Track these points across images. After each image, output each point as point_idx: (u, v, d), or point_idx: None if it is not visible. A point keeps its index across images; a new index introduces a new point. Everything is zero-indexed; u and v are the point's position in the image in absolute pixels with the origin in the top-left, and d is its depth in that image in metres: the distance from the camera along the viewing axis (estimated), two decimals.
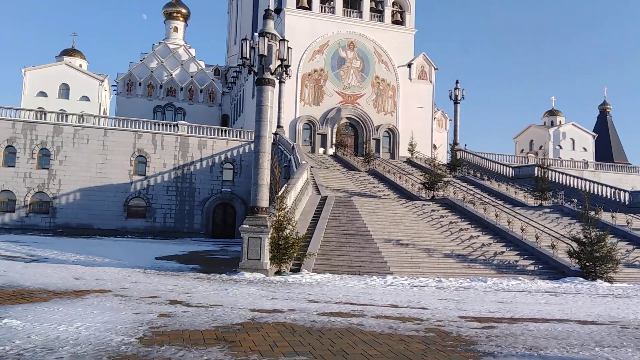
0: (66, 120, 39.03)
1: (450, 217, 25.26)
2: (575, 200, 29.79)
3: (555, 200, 31.64)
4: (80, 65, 62.06)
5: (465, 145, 50.55)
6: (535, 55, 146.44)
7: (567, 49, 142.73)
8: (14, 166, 37.12)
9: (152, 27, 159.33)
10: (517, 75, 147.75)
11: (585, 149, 69.95)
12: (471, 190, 33.56)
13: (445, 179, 32.49)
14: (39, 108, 46.50)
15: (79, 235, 35.10)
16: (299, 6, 48.04)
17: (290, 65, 20.85)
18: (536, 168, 37.22)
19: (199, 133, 41.27)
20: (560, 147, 69.20)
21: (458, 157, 44.37)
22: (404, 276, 17.96)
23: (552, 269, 20.21)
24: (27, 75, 56.68)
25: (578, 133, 71.00)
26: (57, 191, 37.50)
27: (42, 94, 56.69)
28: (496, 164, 43.14)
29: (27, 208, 37.02)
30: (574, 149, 69.64)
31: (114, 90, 62.92)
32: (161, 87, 62.64)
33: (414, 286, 16.11)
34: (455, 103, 47.83)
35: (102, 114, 56.78)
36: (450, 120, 60.33)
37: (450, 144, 49.20)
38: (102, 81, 59.99)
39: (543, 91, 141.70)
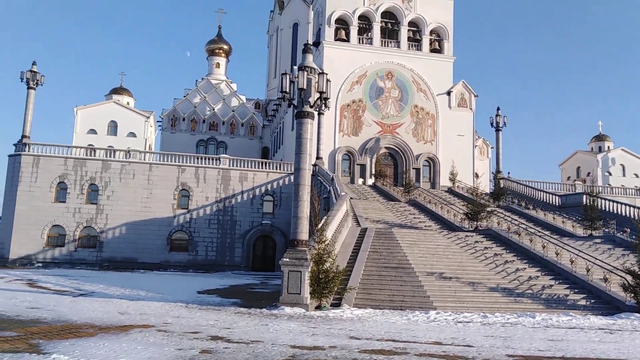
0: (114, 157, 40.51)
1: (495, 249, 24.54)
2: (628, 229, 28.42)
3: (607, 230, 30.29)
4: (128, 103, 64.73)
5: (509, 173, 49.39)
6: (580, 79, 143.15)
7: (613, 71, 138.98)
8: (64, 202, 38.61)
9: (196, 63, 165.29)
10: (561, 100, 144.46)
11: (637, 175, 67.13)
12: (516, 220, 32.60)
13: (489, 209, 31.72)
14: (89, 145, 48.58)
15: (124, 269, 35.93)
16: (337, 39, 48.82)
17: (329, 98, 21.05)
18: (584, 196, 35.89)
19: (240, 166, 41.98)
20: (610, 174, 66.65)
21: (501, 185, 43.38)
22: (447, 311, 17.45)
23: (605, 304, 19.21)
24: (79, 114, 59.52)
25: (628, 159, 68.30)
26: (104, 225, 38.70)
27: (92, 131, 59.28)
28: (542, 193, 41.87)
29: (76, 242, 38.28)
30: (624, 175, 66.92)
31: (159, 125, 65.14)
32: (204, 121, 64.44)
33: (458, 322, 15.61)
34: (497, 130, 47.06)
35: (147, 149, 58.75)
36: (492, 147, 59.27)
37: (492, 173, 48.23)
38: (148, 117, 62.27)
39: (589, 116, 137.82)
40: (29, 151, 39.07)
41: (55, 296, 19.11)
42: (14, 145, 39.80)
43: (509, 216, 33.69)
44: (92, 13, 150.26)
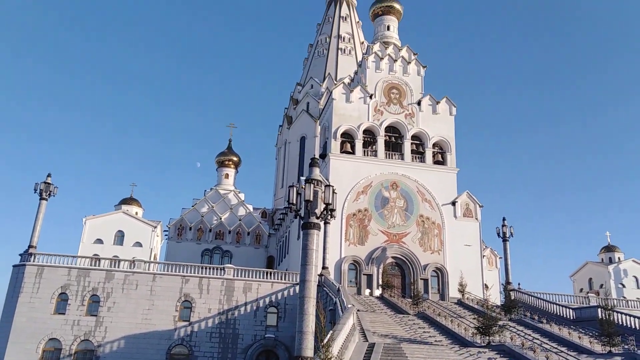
0: (118, 267, 40.23)
1: None
2: None
3: (626, 347, 28.80)
4: (136, 213, 65.60)
5: (519, 284, 48.25)
6: (586, 188, 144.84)
7: (620, 183, 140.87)
8: (64, 313, 37.66)
9: (205, 173, 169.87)
10: (567, 209, 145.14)
11: None
12: (530, 335, 31.23)
13: (501, 323, 30.55)
14: (95, 255, 48.49)
15: None
16: (343, 151, 50.43)
17: (335, 209, 21.25)
18: (599, 309, 34.62)
19: (245, 276, 41.40)
20: (623, 286, 64.99)
21: (512, 297, 42.17)
22: None
23: None
24: (87, 224, 60.16)
25: None
26: (102, 339, 37.34)
27: (99, 240, 59.50)
28: (555, 305, 40.51)
29: (71, 358, 36.71)
30: (638, 287, 65.20)
31: (165, 235, 65.37)
32: (210, 230, 64.72)
33: None
34: (504, 241, 46.78)
35: (152, 259, 58.48)
36: (500, 258, 58.51)
37: (502, 284, 47.21)
38: (155, 227, 62.73)
39: (597, 225, 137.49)
40: (34, 261, 38.95)
41: None
42: (20, 255, 39.79)
43: (522, 330, 32.33)
44: (106, 127, 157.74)
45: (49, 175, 42.40)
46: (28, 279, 38.07)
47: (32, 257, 39.22)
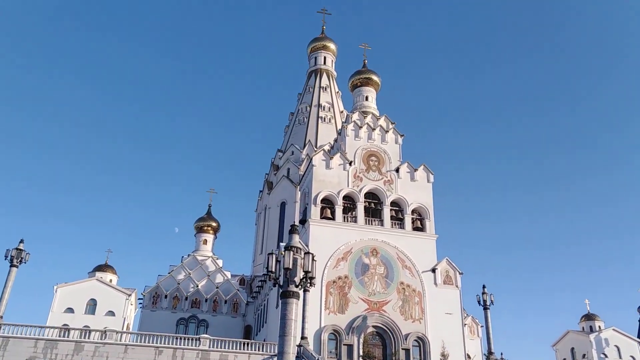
0: (88, 337, 38.48)
1: None
2: None
3: None
4: (111, 280, 63.78)
5: (502, 354, 47.37)
6: (565, 256, 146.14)
7: (598, 246, 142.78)
8: None
9: (183, 239, 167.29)
10: (546, 277, 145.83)
11: (633, 358, 64.79)
12: None
13: None
14: (64, 325, 46.46)
15: None
16: (323, 217, 50.50)
17: (314, 277, 21.05)
18: None
19: (221, 347, 39.87)
20: (606, 356, 64.34)
21: None
22: None
23: None
24: (58, 292, 58.08)
25: (622, 339, 66.69)
26: None
27: (70, 310, 57.26)
28: None
29: None
30: (620, 357, 64.66)
31: (140, 303, 63.21)
32: (186, 298, 62.79)
33: None
34: (485, 309, 46.29)
35: (125, 328, 56.33)
36: (482, 326, 57.68)
37: (484, 354, 46.24)
38: (129, 295, 60.84)
39: (576, 291, 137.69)
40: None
41: None
42: None
43: None
44: (83, 192, 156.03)
45: (21, 242, 41.22)
46: None
47: None
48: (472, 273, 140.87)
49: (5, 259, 40.43)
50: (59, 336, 38.23)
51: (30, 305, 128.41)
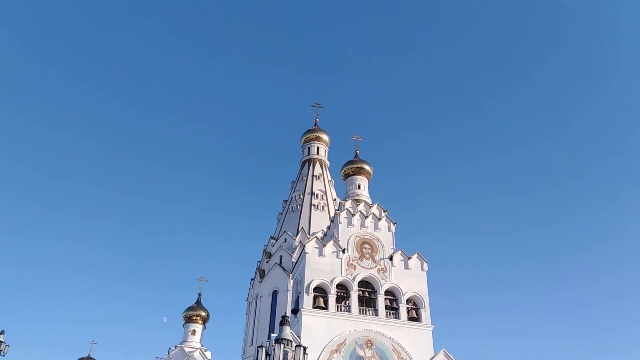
0: None
1: None
2: None
3: None
4: None
5: None
6: (571, 350, 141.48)
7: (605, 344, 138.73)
8: None
9: (171, 328, 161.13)
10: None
11: None
12: None
13: None
14: None
15: None
16: (316, 306, 49.25)
17: None
18: None
19: None
20: None
21: None
22: None
23: None
24: None
25: None
26: None
27: None
28: None
29: None
30: None
31: None
32: None
33: None
34: None
35: None
36: None
37: None
38: None
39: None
40: None
41: None
42: None
43: None
44: (70, 278, 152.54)
45: (1, 333, 39.77)
46: None
47: None
48: None
49: None
50: None
51: None
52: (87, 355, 64.09)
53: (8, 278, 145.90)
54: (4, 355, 39.15)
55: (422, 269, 54.59)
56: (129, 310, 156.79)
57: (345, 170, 65.06)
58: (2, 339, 39.23)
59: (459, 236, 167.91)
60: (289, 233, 75.18)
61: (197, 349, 66.16)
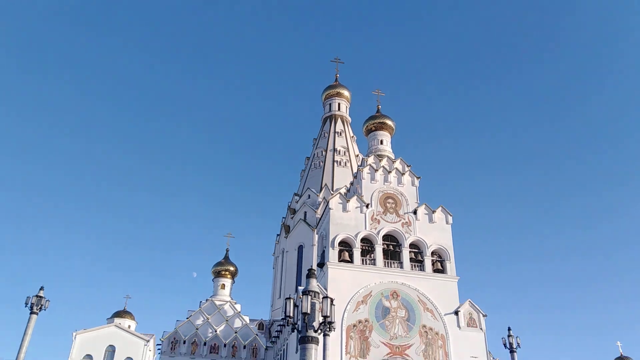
0: None
1: None
2: None
3: None
4: (129, 326, 63.50)
5: None
6: (596, 295, 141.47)
7: (630, 286, 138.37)
8: None
9: (201, 283, 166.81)
10: (576, 316, 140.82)
11: None
12: None
13: None
14: None
15: None
16: (341, 260, 50.09)
17: (333, 322, 20.82)
18: None
19: None
20: None
21: None
22: None
23: None
24: (77, 339, 57.90)
25: None
26: None
27: (88, 356, 56.91)
28: None
29: None
30: None
31: (158, 349, 62.69)
32: (205, 344, 62.19)
33: None
34: (512, 352, 44.78)
35: None
36: None
37: None
38: (148, 341, 60.40)
39: (607, 332, 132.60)
40: None
41: None
42: None
43: None
44: (102, 237, 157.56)
45: (41, 289, 41.39)
46: None
47: None
48: (496, 314, 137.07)
49: (26, 306, 40.63)
50: None
51: (49, 352, 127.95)
52: (122, 308, 66.87)
53: (53, 239, 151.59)
54: (45, 310, 40.94)
55: (447, 222, 54.71)
56: (160, 267, 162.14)
57: (367, 126, 64.55)
58: (42, 294, 40.97)
59: (484, 188, 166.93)
60: (312, 190, 75.70)
61: (227, 301, 68.26)
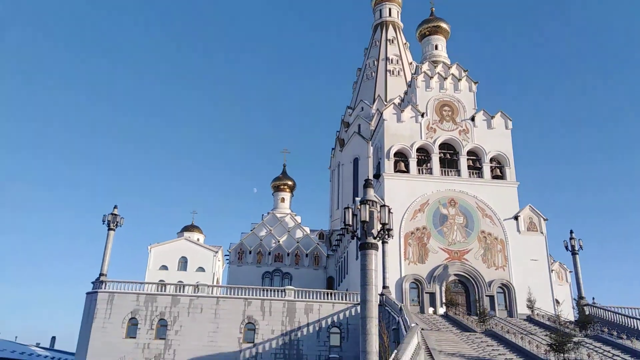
0: (183, 291, 41.44)
1: None
2: None
3: None
4: (198, 239, 67.63)
5: (594, 299, 45.79)
6: None
7: None
8: (134, 337, 39.04)
9: (262, 199, 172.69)
10: (637, 218, 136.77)
11: None
12: (609, 352, 29.50)
13: (576, 339, 29.05)
14: (160, 281, 50.18)
15: None
16: (397, 170, 50.17)
17: (392, 229, 21.16)
18: None
19: (305, 297, 41.58)
20: None
21: (586, 313, 40.06)
22: None
23: None
24: (152, 252, 62.49)
25: None
26: None
27: (164, 267, 61.65)
28: (636, 320, 38.07)
29: None
30: None
31: (227, 259, 66.86)
32: (269, 253, 65.63)
33: None
34: (574, 254, 44.81)
35: (215, 283, 59.83)
36: (570, 272, 55.92)
37: (575, 299, 44.97)
38: (216, 252, 64.36)
39: None
40: (105, 288, 40.75)
41: None
42: (92, 283, 41.77)
43: (600, 347, 30.58)
44: (167, 157, 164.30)
45: (115, 207, 44.50)
46: (100, 305, 39.84)
47: (103, 284, 41.10)
48: (557, 218, 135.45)
49: (103, 224, 44.02)
50: (157, 291, 41.43)
51: (130, 264, 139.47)
52: (190, 223, 70.99)
53: (128, 159, 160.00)
54: (121, 226, 44.22)
55: (506, 127, 53.03)
56: (223, 184, 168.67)
57: (420, 31, 61.68)
58: (116, 212, 44.10)
59: (543, 90, 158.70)
60: (365, 101, 74.57)
61: (287, 214, 70.87)
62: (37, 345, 67.55)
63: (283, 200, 73.51)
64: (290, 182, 75.02)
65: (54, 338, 72.85)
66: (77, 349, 40.01)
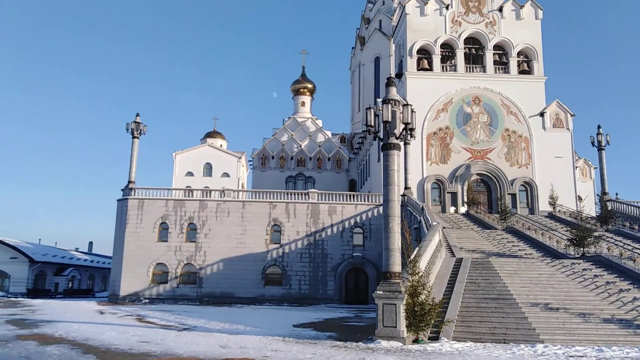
0: (210, 196, 42.61)
1: (607, 277, 22.60)
2: None
3: None
4: (221, 145, 68.26)
5: (617, 194, 45.67)
6: None
7: None
8: (166, 241, 40.95)
9: (282, 103, 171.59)
10: None
11: None
12: (629, 245, 29.90)
13: (596, 234, 29.42)
14: (187, 187, 51.54)
15: (222, 304, 37.12)
16: (420, 68, 48.65)
17: (414, 129, 20.86)
18: None
19: (328, 200, 42.44)
20: None
21: (609, 208, 40.18)
22: (556, 344, 16.21)
23: None
24: (177, 158, 63.60)
25: None
26: (202, 262, 40.47)
27: (190, 173, 63.03)
28: None
29: (178, 279, 40.30)
30: None
31: (250, 164, 67.90)
32: (292, 158, 66.30)
33: (570, 356, 14.42)
34: (600, 150, 44.04)
35: (240, 188, 61.23)
36: (595, 168, 55.41)
37: (598, 195, 44.90)
38: (240, 158, 65.19)
39: None
40: (134, 195, 42.13)
41: (161, 330, 20.13)
42: (122, 190, 43.15)
43: (620, 241, 30.99)
44: (187, 68, 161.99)
45: (137, 115, 44.66)
46: (131, 211, 41.44)
47: (133, 191, 42.42)
48: (585, 114, 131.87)
49: (127, 132, 44.51)
50: (185, 196, 42.70)
51: (157, 173, 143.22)
52: (212, 129, 71.35)
53: (152, 72, 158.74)
54: (144, 134, 44.68)
55: (536, 17, 50.10)
56: (241, 88, 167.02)
57: None
58: (139, 120, 44.36)
59: None
60: None
61: (308, 118, 70.45)
62: (77, 250, 71.73)
63: (303, 104, 72.73)
64: (310, 85, 73.72)
65: (91, 243, 77.16)
66: (113, 253, 42.32)
